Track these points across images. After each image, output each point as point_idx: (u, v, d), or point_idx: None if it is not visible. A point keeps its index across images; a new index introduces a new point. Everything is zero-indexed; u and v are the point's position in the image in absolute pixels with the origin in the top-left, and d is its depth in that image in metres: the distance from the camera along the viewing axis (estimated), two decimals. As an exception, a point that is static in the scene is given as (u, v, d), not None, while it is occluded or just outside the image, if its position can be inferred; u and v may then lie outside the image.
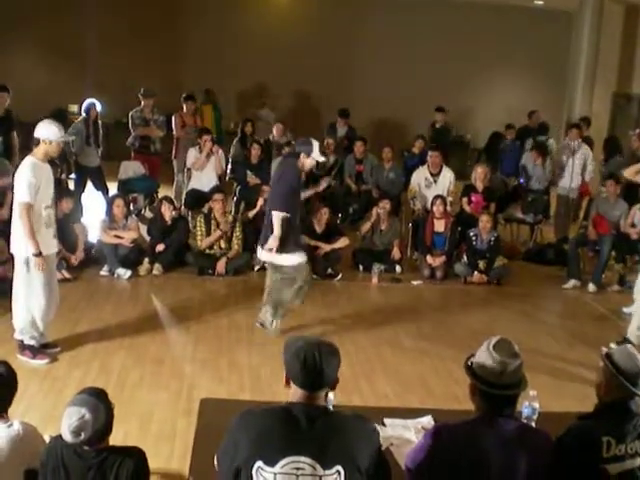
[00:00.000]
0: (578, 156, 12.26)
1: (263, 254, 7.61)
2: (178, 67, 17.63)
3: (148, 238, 10.37)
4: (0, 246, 8.23)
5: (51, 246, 6.87)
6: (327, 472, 3.07)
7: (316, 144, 7.44)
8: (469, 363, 3.47)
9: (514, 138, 14.33)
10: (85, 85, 16.05)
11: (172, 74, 17.31)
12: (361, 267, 10.52)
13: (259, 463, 3.08)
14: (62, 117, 13.50)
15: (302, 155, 7.35)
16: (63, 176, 12.11)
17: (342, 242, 10.31)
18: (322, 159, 7.75)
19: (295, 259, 7.47)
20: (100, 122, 12.32)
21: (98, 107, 12.23)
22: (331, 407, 3.88)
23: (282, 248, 7.34)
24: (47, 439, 4.00)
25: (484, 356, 3.39)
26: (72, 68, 17.37)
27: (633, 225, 10.36)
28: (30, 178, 6.49)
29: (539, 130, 14.74)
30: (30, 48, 17.35)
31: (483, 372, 3.36)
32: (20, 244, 6.63)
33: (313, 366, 3.14)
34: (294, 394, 3.21)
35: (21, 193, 6.51)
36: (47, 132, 6.60)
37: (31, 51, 17.36)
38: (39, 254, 6.57)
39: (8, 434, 3.86)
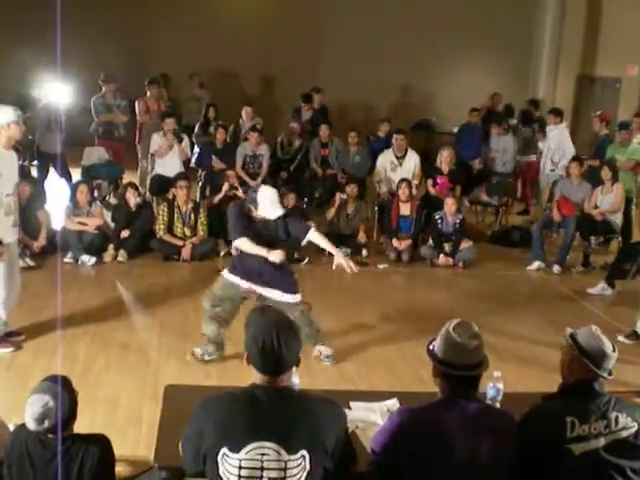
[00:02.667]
0: (552, 140, 12.45)
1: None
2: (143, 51, 17.46)
3: (112, 224, 10.31)
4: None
5: (11, 234, 6.78)
6: (292, 457, 3.07)
7: (265, 196, 6.47)
8: (431, 347, 3.50)
9: (480, 121, 14.34)
10: (47, 70, 15.85)
11: (137, 59, 17.16)
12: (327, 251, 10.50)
13: (224, 450, 3.07)
14: (23, 103, 13.34)
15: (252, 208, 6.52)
16: (26, 162, 11.98)
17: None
18: (272, 215, 6.49)
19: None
20: (62, 108, 12.18)
21: (60, 92, 12.09)
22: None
23: None
24: (12, 428, 3.97)
25: (444, 338, 3.42)
26: (34, 53, 17.14)
27: (596, 207, 10.44)
28: None
29: (506, 113, 14.78)
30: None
31: (444, 354, 3.39)
32: None
33: (271, 352, 3.11)
34: (256, 377, 3.20)
35: None
36: (4, 116, 6.49)
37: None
38: (0, 243, 6.50)
39: None
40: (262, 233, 6.51)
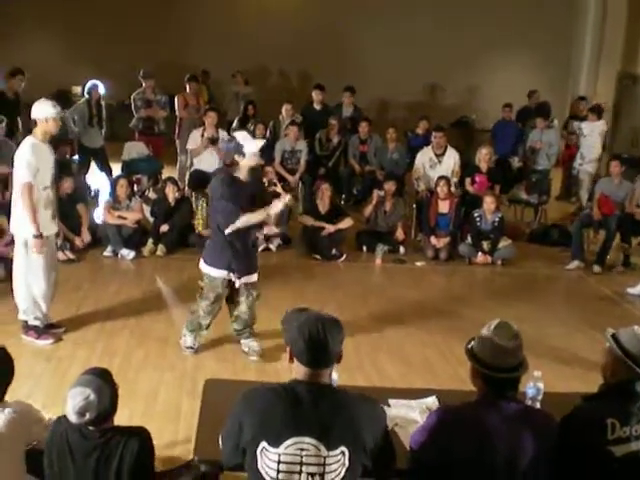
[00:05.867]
0: (586, 136, 12.98)
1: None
2: (181, 47, 17.53)
3: (152, 219, 10.37)
4: (3, 225, 8.24)
5: (50, 227, 6.85)
6: (331, 453, 3.07)
7: (241, 135, 6.46)
8: (469, 347, 3.48)
9: (512, 118, 14.33)
10: (88, 66, 15.99)
11: (175, 54, 17.26)
12: (365, 248, 10.52)
13: (263, 444, 3.08)
14: (64, 98, 13.51)
15: (236, 159, 6.37)
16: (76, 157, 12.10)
17: (346, 222, 10.30)
18: (256, 147, 6.33)
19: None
20: (103, 103, 12.30)
21: (101, 89, 12.21)
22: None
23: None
24: (46, 417, 4.02)
25: (484, 339, 3.40)
26: (75, 49, 17.31)
27: (638, 205, 10.34)
28: (29, 158, 6.48)
29: (537, 110, 14.67)
30: (34, 29, 17.29)
31: (483, 355, 3.37)
32: (20, 224, 6.63)
33: (318, 343, 3.12)
34: (298, 371, 3.20)
35: (21, 173, 6.50)
36: (41, 111, 6.56)
37: (35, 32, 17.29)
38: (39, 235, 6.57)
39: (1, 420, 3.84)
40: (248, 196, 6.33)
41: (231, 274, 6.47)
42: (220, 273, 6.48)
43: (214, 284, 6.54)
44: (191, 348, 6.84)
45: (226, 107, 15.34)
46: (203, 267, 6.58)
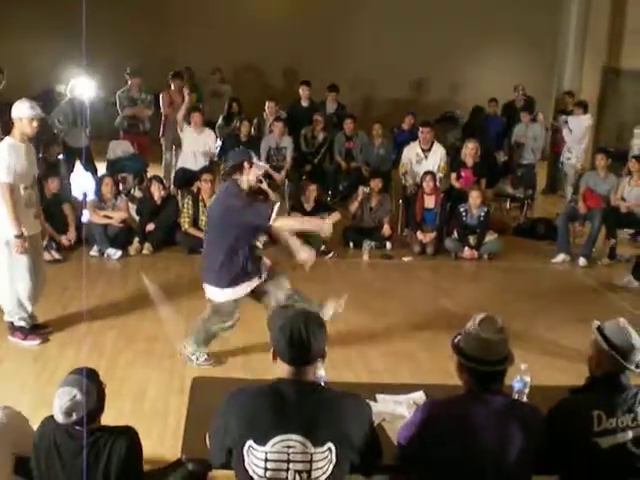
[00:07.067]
0: (572, 130, 13.12)
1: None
2: (166, 45, 17.46)
3: (137, 218, 10.35)
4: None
5: (33, 226, 6.79)
6: (318, 450, 3.08)
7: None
8: (456, 341, 3.49)
9: (497, 113, 14.43)
10: (73, 65, 15.91)
11: (160, 52, 17.17)
12: (352, 244, 10.52)
13: (250, 442, 3.09)
14: (49, 98, 13.43)
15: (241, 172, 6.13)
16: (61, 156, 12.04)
17: (334, 217, 10.28)
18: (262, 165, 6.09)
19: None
20: (86, 102, 12.23)
21: (84, 87, 12.13)
22: (323, 383, 3.89)
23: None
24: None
25: (470, 333, 3.41)
26: (60, 48, 17.20)
27: (623, 199, 10.39)
28: (6, 158, 6.42)
29: (525, 105, 14.73)
30: (17, 27, 17.18)
31: (469, 349, 3.38)
32: (1, 225, 6.57)
33: (299, 341, 3.12)
34: (282, 370, 3.21)
35: (0, 174, 6.46)
36: (18, 111, 6.49)
37: (17, 31, 17.19)
38: (20, 235, 6.52)
39: None
40: None
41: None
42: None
43: None
44: None
45: (205, 106, 15.28)
46: None
